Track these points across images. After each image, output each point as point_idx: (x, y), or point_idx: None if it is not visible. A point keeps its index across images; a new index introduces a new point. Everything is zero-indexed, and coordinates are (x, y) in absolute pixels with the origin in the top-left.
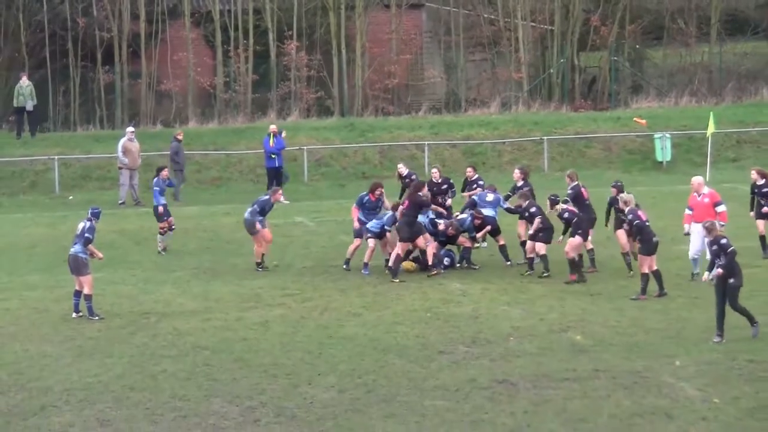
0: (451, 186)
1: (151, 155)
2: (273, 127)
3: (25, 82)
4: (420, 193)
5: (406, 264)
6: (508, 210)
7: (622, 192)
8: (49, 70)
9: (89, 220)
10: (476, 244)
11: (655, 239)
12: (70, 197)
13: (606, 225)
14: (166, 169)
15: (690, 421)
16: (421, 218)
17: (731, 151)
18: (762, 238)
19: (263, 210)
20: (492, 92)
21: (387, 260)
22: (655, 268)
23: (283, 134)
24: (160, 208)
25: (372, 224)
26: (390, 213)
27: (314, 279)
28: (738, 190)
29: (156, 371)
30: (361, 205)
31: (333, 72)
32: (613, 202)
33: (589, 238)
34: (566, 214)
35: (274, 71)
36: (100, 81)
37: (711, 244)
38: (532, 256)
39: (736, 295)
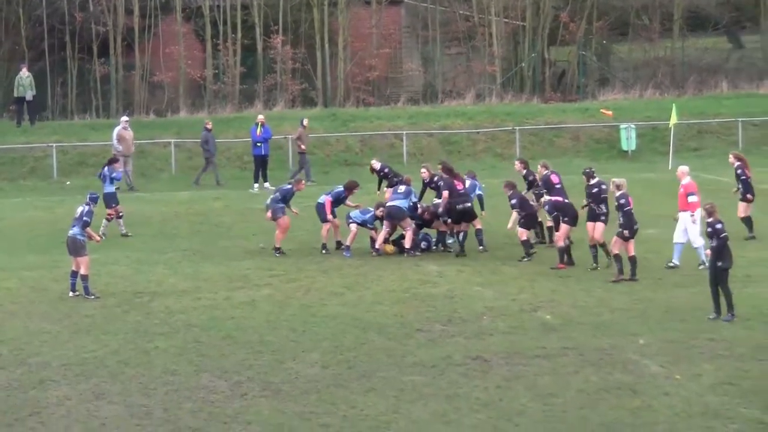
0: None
1: (144, 143)
2: (260, 117)
3: (25, 73)
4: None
5: (387, 247)
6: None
7: (593, 177)
8: (48, 62)
9: (87, 204)
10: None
11: (635, 226)
12: (68, 182)
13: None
14: (117, 162)
15: (653, 396)
16: (403, 202)
17: (693, 141)
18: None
19: (285, 198)
20: (467, 84)
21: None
22: (633, 253)
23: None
24: (109, 196)
25: (355, 214)
26: (372, 212)
27: (299, 261)
28: (700, 177)
29: (149, 347)
30: (337, 200)
31: (317, 65)
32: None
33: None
34: (546, 207)
35: (260, 64)
36: (96, 72)
37: (708, 225)
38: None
39: (725, 277)
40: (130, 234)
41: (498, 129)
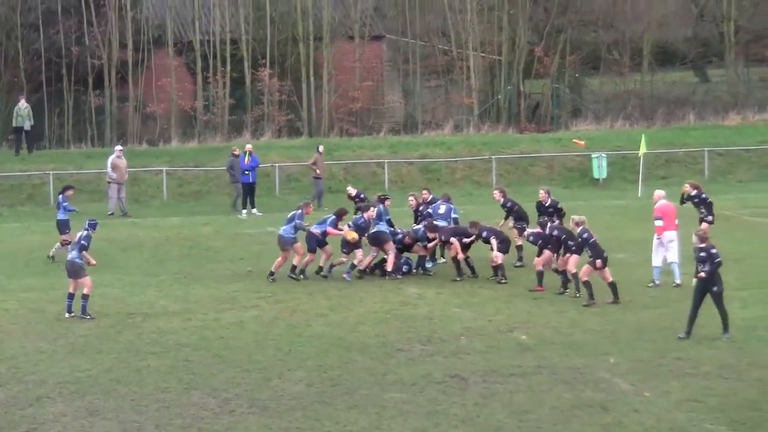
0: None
1: (137, 171)
2: (249, 146)
3: (23, 104)
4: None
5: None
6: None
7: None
8: (45, 94)
9: (86, 230)
10: (441, 260)
11: (604, 254)
12: None
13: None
14: (71, 190)
15: (624, 413)
16: (383, 226)
17: (661, 170)
18: None
19: (297, 228)
20: (446, 115)
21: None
22: (610, 279)
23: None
24: (62, 223)
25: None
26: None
27: (285, 283)
28: None
29: (141, 366)
30: (334, 226)
31: (302, 96)
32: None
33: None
34: (531, 238)
35: (248, 95)
36: (91, 104)
37: (700, 250)
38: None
39: (721, 300)
40: (54, 259)
41: (475, 158)
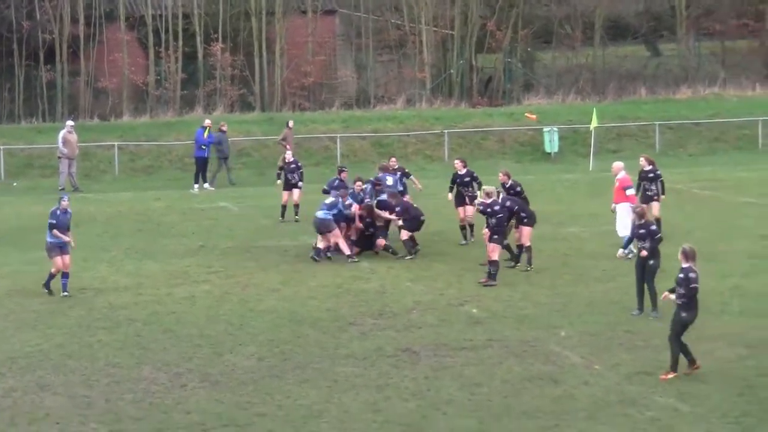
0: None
1: (88, 146)
2: (208, 122)
3: None
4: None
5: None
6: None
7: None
8: None
9: (56, 207)
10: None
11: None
12: (14, 183)
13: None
14: None
15: (574, 386)
16: (326, 213)
17: (612, 144)
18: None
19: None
20: (398, 90)
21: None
22: (528, 244)
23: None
24: None
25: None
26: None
27: (237, 258)
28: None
29: (92, 341)
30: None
31: (255, 71)
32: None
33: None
34: (481, 207)
35: (201, 70)
36: (42, 78)
37: (640, 227)
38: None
39: (653, 275)
40: None
41: (428, 132)
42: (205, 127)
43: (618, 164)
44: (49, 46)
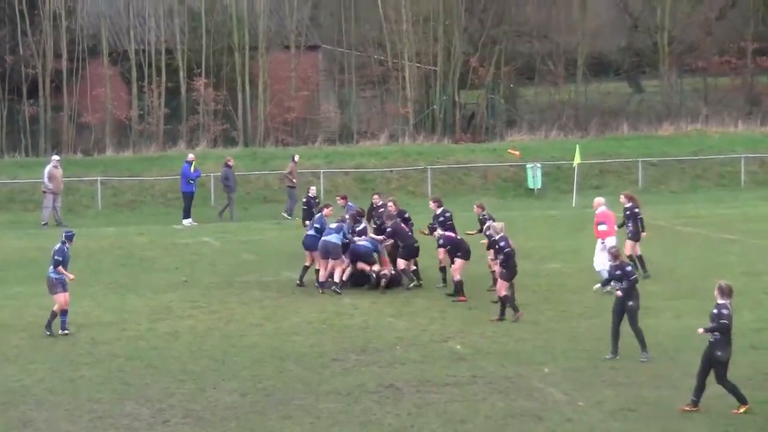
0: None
1: (71, 180)
2: (192, 156)
3: None
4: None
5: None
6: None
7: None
8: None
9: (63, 243)
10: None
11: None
12: None
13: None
14: None
15: (557, 422)
16: (336, 237)
17: (595, 180)
18: (633, 257)
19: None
20: (381, 125)
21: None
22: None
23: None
24: None
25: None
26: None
27: (220, 293)
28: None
29: (74, 376)
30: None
31: (238, 106)
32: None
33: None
34: (441, 240)
35: (184, 105)
36: (25, 113)
37: (615, 268)
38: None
39: (635, 317)
40: None
41: (410, 168)
42: (190, 162)
43: (599, 200)
44: (32, 81)
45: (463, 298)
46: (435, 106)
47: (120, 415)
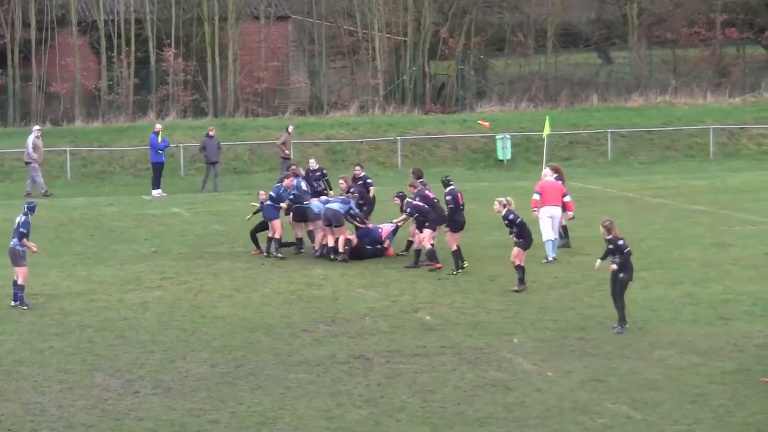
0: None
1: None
2: (159, 126)
3: None
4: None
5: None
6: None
7: (448, 186)
8: None
9: (25, 214)
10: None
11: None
12: None
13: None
14: None
15: (526, 393)
16: (342, 207)
17: (564, 151)
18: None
19: (278, 199)
20: (351, 96)
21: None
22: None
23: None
24: None
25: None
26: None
27: (189, 264)
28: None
29: (43, 347)
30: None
31: (207, 77)
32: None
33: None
34: (408, 209)
35: (153, 75)
36: None
37: (609, 242)
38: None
39: (624, 289)
40: None
41: (381, 139)
42: (158, 132)
43: (545, 171)
44: (0, 51)
45: (438, 265)
46: (405, 77)
47: (89, 386)
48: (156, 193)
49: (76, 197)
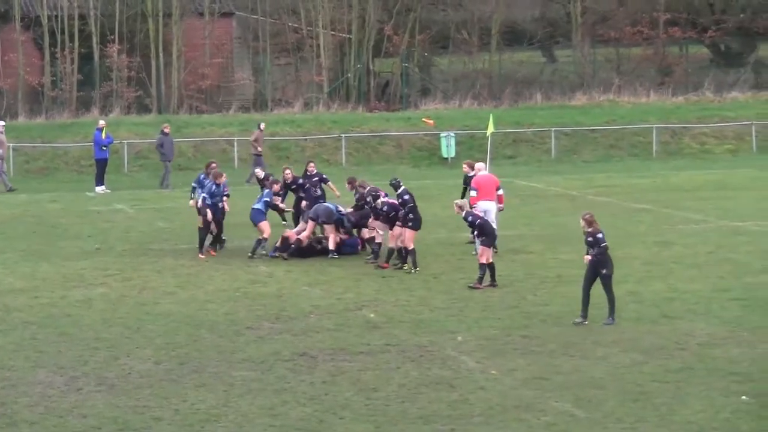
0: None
1: None
2: (102, 123)
3: None
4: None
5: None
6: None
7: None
8: None
9: None
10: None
11: (496, 233)
12: None
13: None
14: None
15: (470, 391)
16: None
17: (509, 149)
18: None
19: (267, 205)
20: (296, 93)
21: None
22: (491, 260)
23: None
24: None
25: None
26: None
27: (133, 261)
28: (514, 184)
29: None
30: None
31: (151, 73)
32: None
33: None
34: (385, 207)
35: (97, 71)
36: None
37: (588, 235)
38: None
39: (609, 284)
40: None
41: (325, 136)
42: (101, 128)
43: (479, 165)
44: None
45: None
46: (349, 75)
47: (33, 383)
48: (100, 189)
49: (19, 194)
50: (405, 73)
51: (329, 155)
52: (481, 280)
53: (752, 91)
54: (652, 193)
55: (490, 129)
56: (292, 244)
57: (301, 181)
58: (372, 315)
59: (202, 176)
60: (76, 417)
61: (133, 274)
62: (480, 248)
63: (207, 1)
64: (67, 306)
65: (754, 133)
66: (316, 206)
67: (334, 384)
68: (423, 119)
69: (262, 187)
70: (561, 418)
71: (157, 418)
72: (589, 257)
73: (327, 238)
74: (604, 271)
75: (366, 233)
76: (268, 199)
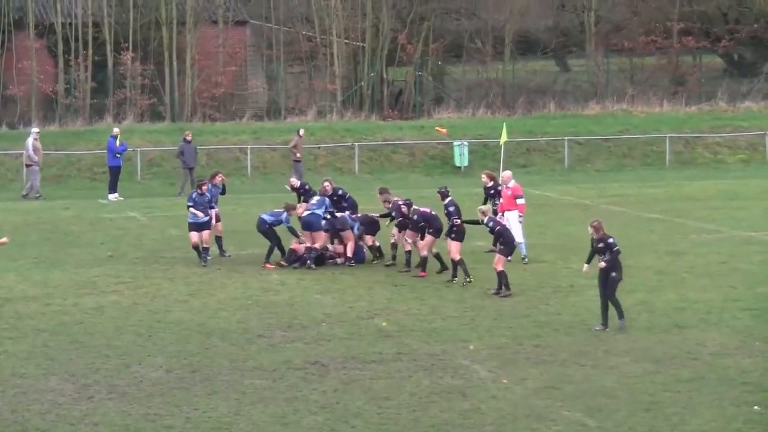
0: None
1: None
2: (116, 130)
3: None
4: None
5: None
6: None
7: (447, 197)
8: None
9: None
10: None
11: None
12: None
13: None
14: None
15: (482, 400)
16: (319, 211)
17: (521, 158)
18: None
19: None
20: (309, 101)
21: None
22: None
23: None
24: None
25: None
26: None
27: (145, 268)
28: (526, 192)
29: None
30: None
31: (165, 81)
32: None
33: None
34: (416, 216)
35: (110, 79)
36: None
37: (598, 241)
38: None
39: (615, 288)
40: None
41: (338, 145)
42: (116, 136)
43: (508, 173)
44: None
45: (423, 274)
46: (363, 83)
47: (44, 391)
48: (113, 197)
49: (32, 201)
50: (418, 81)
51: (342, 164)
52: (507, 286)
53: (765, 101)
54: (665, 202)
55: (504, 138)
56: (303, 254)
57: (341, 191)
58: (384, 323)
59: (195, 195)
60: (88, 425)
61: (145, 281)
62: (497, 256)
63: (221, 9)
64: (78, 313)
65: (767, 143)
66: (304, 216)
67: (345, 393)
68: (436, 128)
69: (299, 195)
70: (572, 428)
71: (168, 426)
72: (603, 264)
73: (327, 248)
74: (613, 275)
75: (369, 240)
76: (329, 207)
